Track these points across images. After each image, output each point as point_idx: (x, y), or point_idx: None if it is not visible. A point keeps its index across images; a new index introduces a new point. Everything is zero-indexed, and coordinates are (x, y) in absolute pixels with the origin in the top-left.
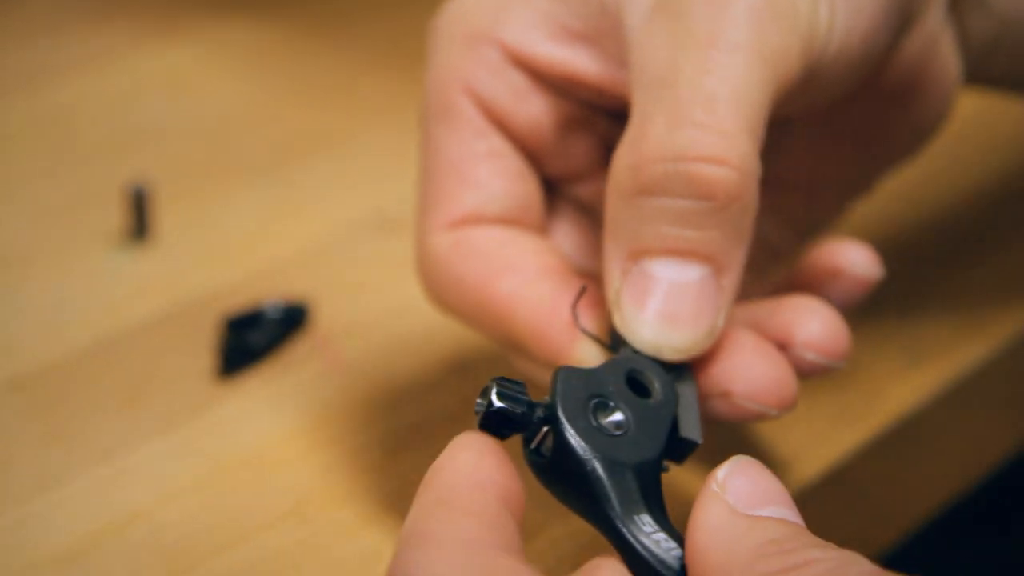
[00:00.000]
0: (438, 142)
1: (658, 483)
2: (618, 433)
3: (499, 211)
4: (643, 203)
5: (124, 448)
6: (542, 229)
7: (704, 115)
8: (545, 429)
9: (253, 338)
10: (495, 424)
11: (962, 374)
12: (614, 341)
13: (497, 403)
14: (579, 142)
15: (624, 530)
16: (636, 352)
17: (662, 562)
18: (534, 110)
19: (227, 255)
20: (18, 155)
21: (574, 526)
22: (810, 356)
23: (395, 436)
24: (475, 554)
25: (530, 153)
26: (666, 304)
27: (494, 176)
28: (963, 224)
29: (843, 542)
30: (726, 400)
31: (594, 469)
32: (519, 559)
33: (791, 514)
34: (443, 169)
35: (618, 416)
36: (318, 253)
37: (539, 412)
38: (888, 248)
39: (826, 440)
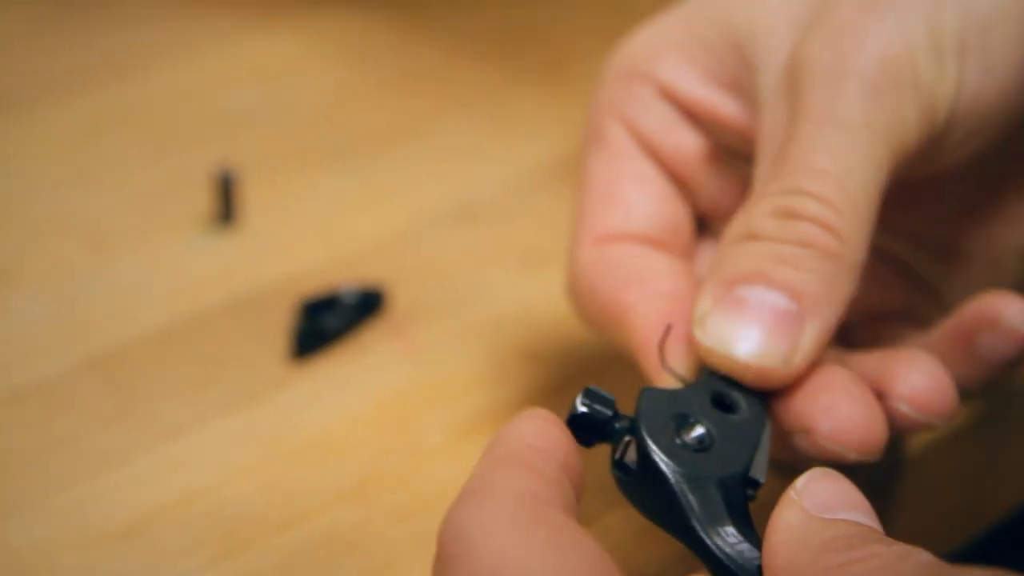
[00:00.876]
0: (590, 166)
1: (744, 498)
2: (701, 448)
3: (644, 230)
4: (749, 245)
5: (192, 427)
6: (688, 255)
7: (814, 188)
8: (627, 439)
9: (327, 322)
10: (578, 428)
11: None
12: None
13: (581, 408)
14: (726, 180)
15: (707, 540)
16: (721, 377)
17: (744, 568)
18: (683, 141)
19: (309, 240)
20: (113, 141)
21: (628, 512)
22: (904, 408)
23: (459, 422)
24: (526, 505)
25: (679, 183)
26: (749, 317)
27: (641, 197)
28: None
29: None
30: (807, 437)
31: (677, 483)
32: (572, 518)
33: (868, 519)
34: (594, 190)
35: (700, 431)
36: (397, 240)
37: (623, 423)
38: None
39: None
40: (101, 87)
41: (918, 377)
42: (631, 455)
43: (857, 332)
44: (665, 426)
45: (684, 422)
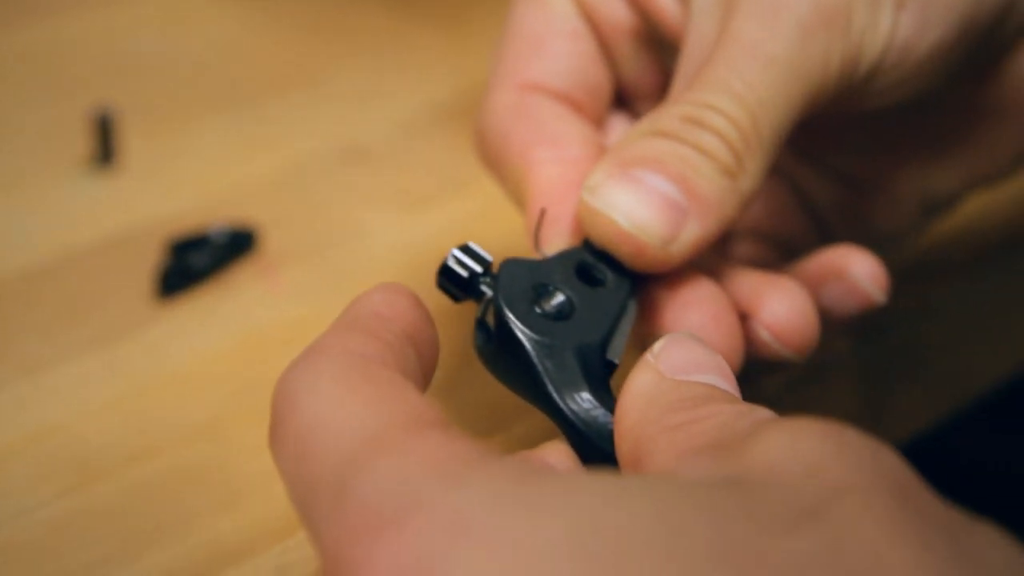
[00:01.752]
0: (523, 14)
1: (603, 367)
2: (560, 317)
3: (565, 87)
4: (654, 139)
5: (53, 364)
6: (600, 123)
7: (726, 107)
8: (488, 298)
9: (195, 261)
10: (447, 281)
11: None
12: None
13: (449, 261)
14: (649, 62)
15: (561, 404)
16: (592, 251)
17: (596, 432)
18: (618, 14)
19: (188, 183)
20: (2, 84)
21: (533, 423)
22: (764, 335)
23: None
24: (355, 364)
25: (606, 51)
26: (640, 192)
27: (569, 53)
28: None
29: None
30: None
31: (532, 349)
32: (408, 382)
33: (724, 382)
34: (523, 37)
35: (560, 299)
36: (279, 182)
37: (486, 284)
38: None
39: None
40: None
41: (785, 308)
42: (492, 318)
43: (740, 246)
44: (524, 294)
45: (544, 291)
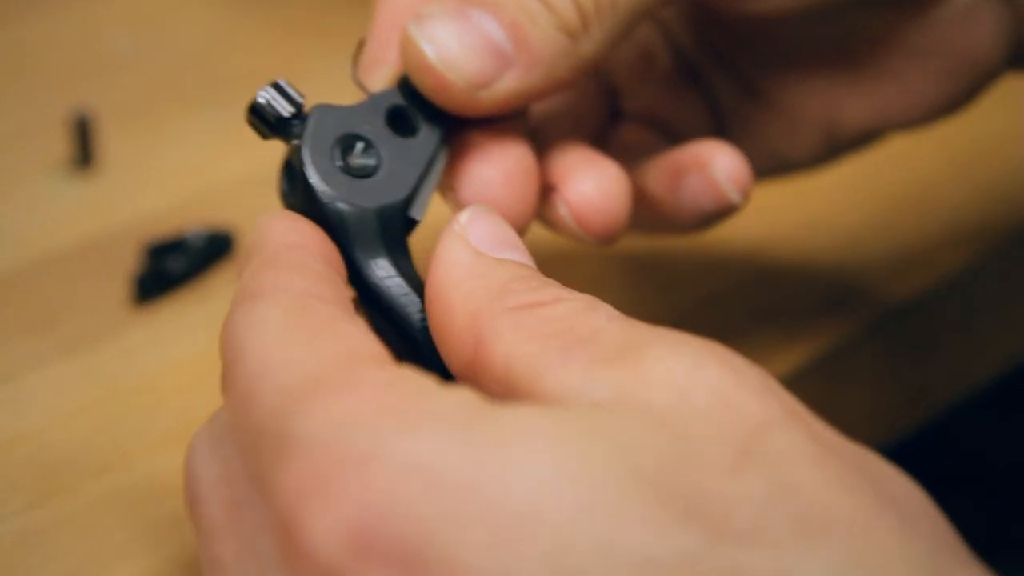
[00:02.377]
0: None
1: (404, 227)
2: (364, 174)
3: None
4: None
5: (26, 370)
6: None
7: None
8: (295, 145)
9: (172, 265)
10: (259, 121)
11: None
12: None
13: (259, 98)
14: None
15: (362, 269)
16: (409, 92)
17: (392, 300)
18: None
19: (165, 184)
20: None
21: None
22: (563, 211)
23: None
24: (295, 305)
25: None
26: (460, 29)
27: None
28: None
29: None
30: (452, 195)
31: (331, 209)
32: (349, 314)
33: (529, 261)
34: None
35: (366, 157)
36: (257, 184)
37: (296, 128)
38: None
39: None
40: None
41: (590, 187)
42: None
43: (626, 128)
44: (331, 147)
45: (351, 144)
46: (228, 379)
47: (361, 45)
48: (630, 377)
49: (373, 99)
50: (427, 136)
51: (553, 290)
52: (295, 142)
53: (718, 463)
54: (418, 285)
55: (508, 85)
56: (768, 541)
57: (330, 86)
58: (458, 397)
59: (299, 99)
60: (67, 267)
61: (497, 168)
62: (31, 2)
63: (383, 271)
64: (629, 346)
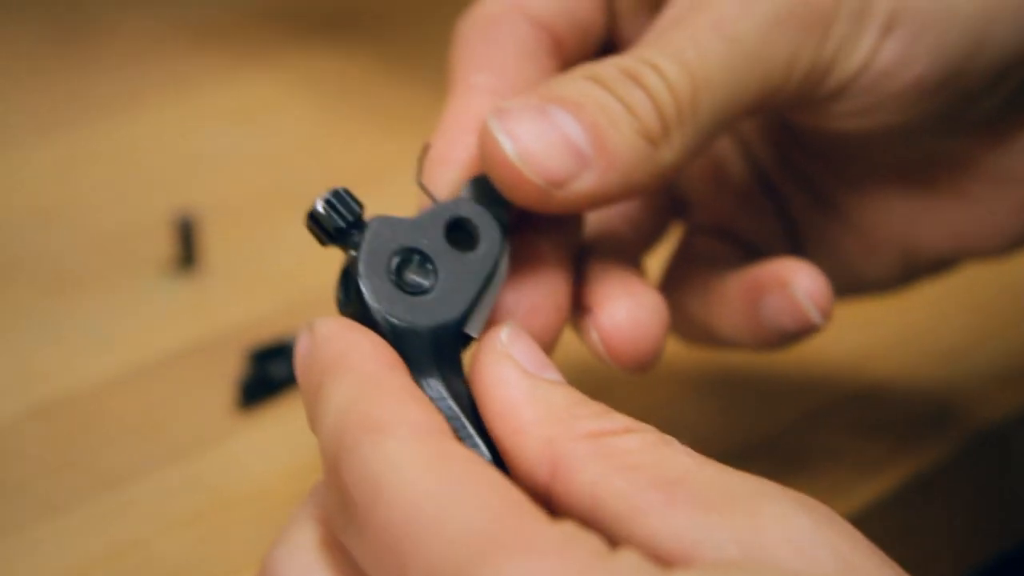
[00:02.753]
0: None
1: (457, 344)
2: (419, 291)
3: (551, 15)
4: (584, 81)
5: (133, 478)
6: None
7: (669, 72)
8: (352, 256)
9: (275, 370)
10: (318, 229)
11: None
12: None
13: (320, 206)
14: (648, 19)
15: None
16: (479, 190)
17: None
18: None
19: (267, 287)
20: (83, 182)
21: None
22: (593, 336)
23: None
24: (431, 443)
25: None
26: (540, 126)
27: None
28: None
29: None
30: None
31: (383, 327)
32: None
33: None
34: None
35: (422, 272)
36: None
37: (354, 238)
38: None
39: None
40: (79, 127)
41: (623, 316)
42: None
43: (699, 238)
44: (387, 261)
45: (408, 258)
46: (363, 518)
47: (426, 149)
48: (749, 533)
49: (433, 210)
50: (487, 251)
51: (616, 417)
52: (352, 253)
53: None
54: (467, 404)
55: (584, 186)
56: None
57: None
58: (632, 562)
59: (357, 208)
60: (171, 371)
61: (524, 298)
62: (136, 98)
63: (433, 392)
64: (734, 496)
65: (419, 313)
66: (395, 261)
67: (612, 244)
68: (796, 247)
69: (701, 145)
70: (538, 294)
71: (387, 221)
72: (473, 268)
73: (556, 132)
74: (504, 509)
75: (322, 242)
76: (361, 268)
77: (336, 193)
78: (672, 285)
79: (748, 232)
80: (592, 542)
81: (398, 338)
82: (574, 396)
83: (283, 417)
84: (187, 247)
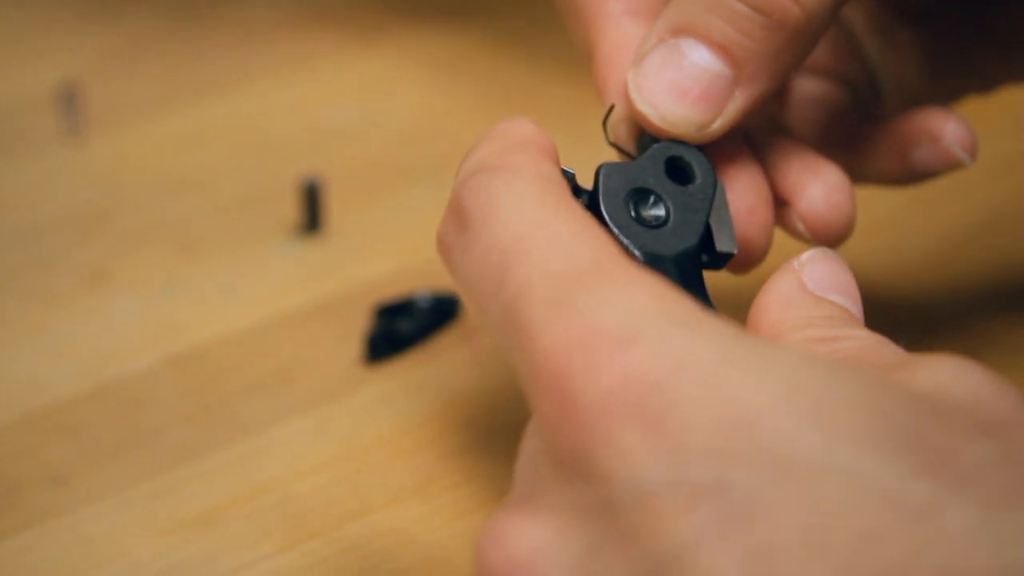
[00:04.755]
0: None
1: (699, 270)
2: (657, 224)
3: None
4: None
5: (265, 425)
6: None
7: None
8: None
9: (401, 326)
10: None
11: None
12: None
13: None
14: None
15: None
16: (673, 142)
17: None
18: None
19: (390, 250)
20: (210, 152)
21: None
22: (799, 225)
23: (520, 427)
24: (555, 189)
25: None
26: (679, 77)
27: None
28: None
29: None
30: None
31: (635, 260)
32: None
33: (855, 307)
34: None
35: (658, 207)
36: None
37: (583, 199)
38: None
39: None
40: (203, 101)
41: (820, 201)
42: None
43: (807, 82)
44: (624, 203)
45: (642, 197)
46: (471, 234)
47: (611, 109)
48: (892, 374)
49: (649, 153)
50: (704, 180)
51: (853, 330)
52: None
53: (965, 430)
54: None
55: (738, 107)
56: (992, 494)
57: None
58: (723, 320)
59: (571, 172)
60: (299, 327)
61: (741, 204)
62: (256, 75)
63: None
64: (907, 362)
65: (663, 243)
66: (631, 199)
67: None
68: (874, 83)
69: (827, 25)
70: (749, 196)
71: (614, 167)
72: (697, 197)
73: (694, 74)
74: (611, 253)
75: None
76: (604, 208)
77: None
78: (792, 129)
79: (840, 69)
80: (677, 294)
81: (651, 268)
82: (833, 311)
83: (409, 371)
84: (312, 212)
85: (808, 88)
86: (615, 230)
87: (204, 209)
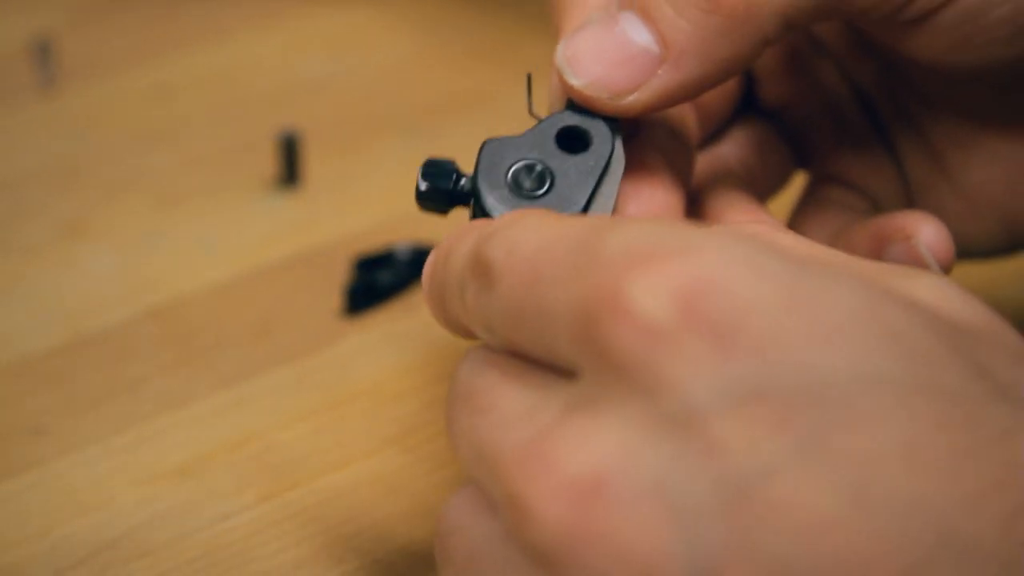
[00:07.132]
0: None
1: None
2: (540, 193)
3: None
4: None
5: (246, 377)
6: None
7: None
8: (468, 190)
9: (380, 278)
10: (431, 203)
11: None
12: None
13: (423, 184)
14: None
15: None
16: (576, 111)
17: None
18: None
19: (368, 202)
20: (185, 106)
21: None
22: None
23: None
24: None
25: None
26: (605, 43)
27: None
28: None
29: None
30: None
31: None
32: None
33: None
34: None
35: (539, 174)
36: None
37: (465, 184)
38: None
39: None
40: (177, 55)
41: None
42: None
43: (829, 189)
44: (503, 175)
45: (523, 169)
46: (500, 273)
47: (530, 79)
48: (905, 288)
49: (541, 124)
50: (598, 149)
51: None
52: (467, 188)
53: (1007, 358)
54: None
55: (659, 85)
56: None
57: (520, 110)
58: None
59: (449, 165)
60: (278, 279)
61: (642, 207)
62: (228, 28)
63: None
64: (898, 276)
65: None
66: (510, 173)
67: (733, 184)
68: (909, 202)
69: (781, 14)
70: (655, 204)
71: (498, 141)
72: (587, 166)
73: (623, 45)
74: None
75: (444, 211)
76: (480, 183)
77: (426, 164)
78: (800, 225)
79: (867, 183)
80: None
81: None
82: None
83: (388, 323)
84: (290, 165)
85: (835, 194)
86: (488, 204)
87: (181, 161)
